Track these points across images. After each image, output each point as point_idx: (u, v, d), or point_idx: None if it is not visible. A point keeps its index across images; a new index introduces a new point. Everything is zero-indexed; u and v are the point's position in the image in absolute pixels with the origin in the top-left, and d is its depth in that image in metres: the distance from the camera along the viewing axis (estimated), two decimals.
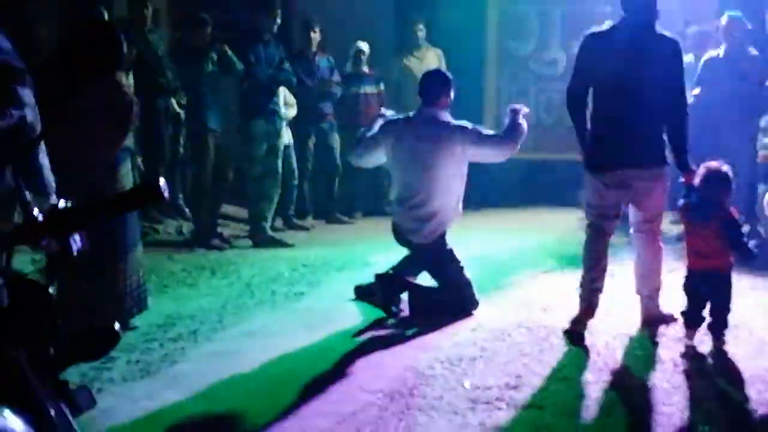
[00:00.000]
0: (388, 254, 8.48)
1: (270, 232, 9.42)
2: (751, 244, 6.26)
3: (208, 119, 9.28)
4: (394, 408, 4.92)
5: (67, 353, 2.18)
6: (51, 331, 2.14)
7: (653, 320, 6.37)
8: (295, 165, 10.01)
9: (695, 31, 10.11)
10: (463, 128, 6.90)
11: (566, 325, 6.21)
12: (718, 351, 5.81)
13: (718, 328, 5.85)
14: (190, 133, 9.57)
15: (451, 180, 6.88)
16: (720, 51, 9.07)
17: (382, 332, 6.43)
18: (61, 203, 2.12)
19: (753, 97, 8.93)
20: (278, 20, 9.53)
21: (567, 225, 9.83)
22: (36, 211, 2.10)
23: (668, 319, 6.34)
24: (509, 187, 11.49)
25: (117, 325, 2.23)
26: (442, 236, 6.96)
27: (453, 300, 6.76)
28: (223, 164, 9.57)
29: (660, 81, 6.01)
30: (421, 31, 11.16)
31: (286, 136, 9.68)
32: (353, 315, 6.81)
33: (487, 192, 10.99)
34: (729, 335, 5.91)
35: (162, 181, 2.12)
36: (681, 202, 6.02)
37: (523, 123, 7.08)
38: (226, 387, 5.29)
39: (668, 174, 6.26)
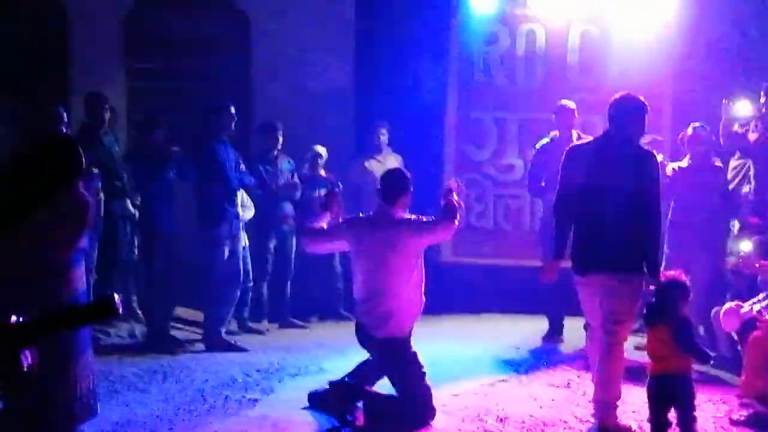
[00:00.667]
0: (344, 360, 8.42)
1: (225, 337, 9.28)
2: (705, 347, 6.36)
3: (160, 222, 9.21)
4: None
5: (26, 325, 2.11)
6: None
7: None
8: (249, 267, 9.92)
9: (649, 140, 10.22)
10: (408, 223, 6.93)
11: None
12: None
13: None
14: (142, 234, 9.49)
15: (408, 274, 6.86)
16: (684, 162, 9.24)
17: None
18: (13, 318, 2.05)
19: (715, 208, 9.15)
20: (234, 122, 9.52)
21: (524, 333, 9.79)
22: None
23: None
24: (465, 292, 11.42)
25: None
26: (407, 335, 6.90)
27: (410, 409, 6.64)
28: (174, 267, 9.48)
29: (637, 192, 6.34)
30: (384, 136, 11.21)
31: (243, 238, 9.61)
32: (307, 424, 6.69)
33: (442, 298, 10.91)
34: None
35: (116, 297, 2.07)
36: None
37: (457, 200, 7.19)
38: None
39: (639, 284, 6.41)
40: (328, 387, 6.91)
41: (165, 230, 9.30)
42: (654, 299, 6.20)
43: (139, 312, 9.97)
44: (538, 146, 9.61)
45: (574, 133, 9.20)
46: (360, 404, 6.77)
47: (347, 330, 10.12)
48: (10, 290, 5.55)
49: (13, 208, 2.11)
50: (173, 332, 9.55)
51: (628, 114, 6.46)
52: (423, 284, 7.00)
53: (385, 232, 6.86)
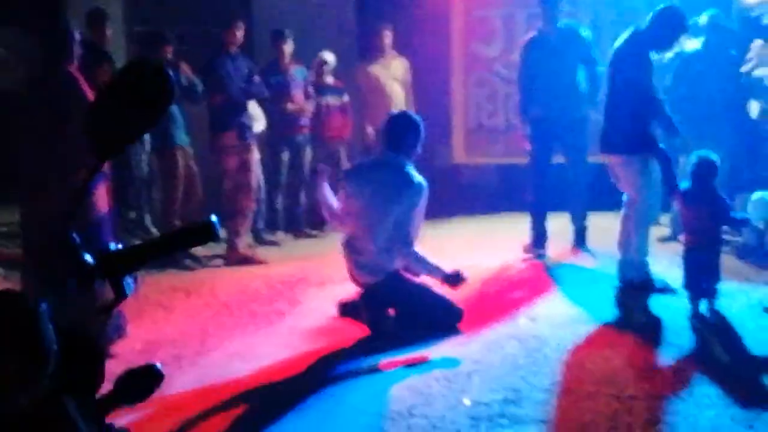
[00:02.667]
0: None
1: (242, 250, 9.21)
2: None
3: (176, 135, 9.08)
4: (396, 430, 4.79)
5: (111, 397, 2.10)
6: (99, 379, 2.04)
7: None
8: (262, 178, 9.84)
9: None
10: (423, 192, 6.63)
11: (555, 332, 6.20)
12: (713, 312, 6.60)
13: (712, 291, 6.63)
14: (157, 151, 9.37)
15: (400, 227, 6.60)
16: (698, 43, 9.06)
17: (371, 351, 6.22)
18: (111, 246, 2.02)
19: (730, 95, 9.00)
20: (240, 33, 9.36)
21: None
22: (86, 255, 2.00)
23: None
24: (479, 192, 11.37)
25: (159, 365, 2.14)
26: (394, 272, 6.70)
27: (437, 317, 6.59)
28: (193, 182, 9.39)
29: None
30: (388, 38, 10.97)
31: (255, 150, 9.49)
32: (339, 333, 6.64)
33: (455, 198, 10.88)
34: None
35: (214, 219, 2.04)
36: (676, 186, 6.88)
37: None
38: (215, 414, 5.13)
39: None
40: (357, 297, 6.84)
41: (179, 145, 9.17)
42: (690, 181, 6.74)
43: (153, 229, 9.91)
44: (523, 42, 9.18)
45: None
46: (391, 312, 6.71)
47: None
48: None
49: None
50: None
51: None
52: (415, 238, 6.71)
53: (391, 180, 6.56)
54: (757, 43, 9.07)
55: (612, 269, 7.54)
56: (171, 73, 2.06)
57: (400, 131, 6.73)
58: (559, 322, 6.58)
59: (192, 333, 6.79)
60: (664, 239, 8.87)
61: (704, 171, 6.71)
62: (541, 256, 8.61)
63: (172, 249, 2.13)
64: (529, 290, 7.57)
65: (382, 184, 6.57)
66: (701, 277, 6.66)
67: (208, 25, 9.98)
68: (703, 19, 9.12)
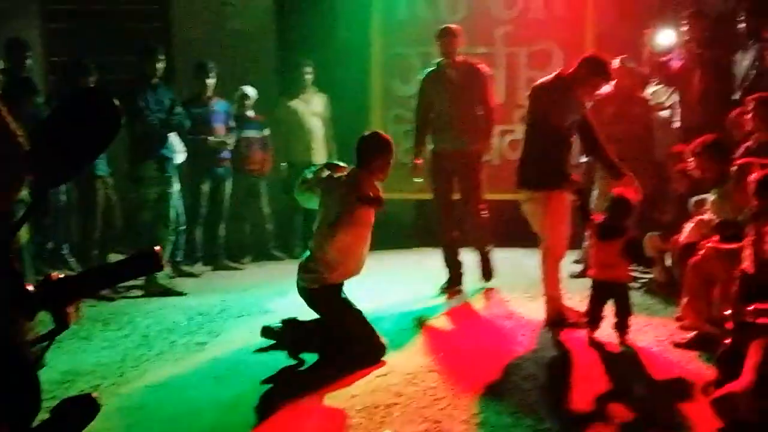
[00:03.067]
0: (285, 300, 8.46)
1: (161, 281, 9.19)
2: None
3: (96, 165, 9.04)
4: None
5: (47, 427, 2.09)
6: (35, 409, 2.05)
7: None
8: (182, 210, 9.84)
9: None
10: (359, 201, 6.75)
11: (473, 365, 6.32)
12: (628, 343, 6.87)
13: (623, 326, 6.93)
14: (76, 180, 9.31)
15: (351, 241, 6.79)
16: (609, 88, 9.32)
17: (293, 381, 6.30)
18: (54, 274, 2.04)
19: (642, 140, 9.32)
20: (163, 64, 9.39)
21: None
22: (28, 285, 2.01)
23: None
24: (400, 227, 11.48)
25: (95, 395, 2.15)
26: (331, 286, 6.84)
27: (361, 348, 6.68)
28: (113, 212, 9.36)
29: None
30: (309, 74, 11.11)
31: (176, 183, 9.50)
32: (261, 364, 6.65)
33: (376, 234, 10.95)
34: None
35: (159, 249, 2.06)
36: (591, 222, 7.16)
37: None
38: None
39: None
40: (281, 324, 6.91)
41: (99, 175, 9.14)
42: (605, 216, 7.04)
43: (71, 259, 9.83)
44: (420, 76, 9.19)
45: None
46: (314, 342, 6.78)
47: (282, 270, 10.20)
48: None
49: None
50: None
51: None
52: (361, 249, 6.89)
53: (347, 193, 6.75)
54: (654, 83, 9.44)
55: (521, 304, 7.75)
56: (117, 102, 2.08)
57: (365, 148, 6.96)
58: (477, 355, 6.72)
59: (111, 364, 6.76)
60: (575, 275, 9.04)
61: (620, 208, 6.98)
62: (458, 292, 8.70)
63: (116, 279, 2.15)
64: (448, 324, 7.69)
65: (338, 198, 6.78)
66: (603, 307, 7.01)
67: (128, 55, 9.95)
68: (615, 62, 9.40)
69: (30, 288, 2.02)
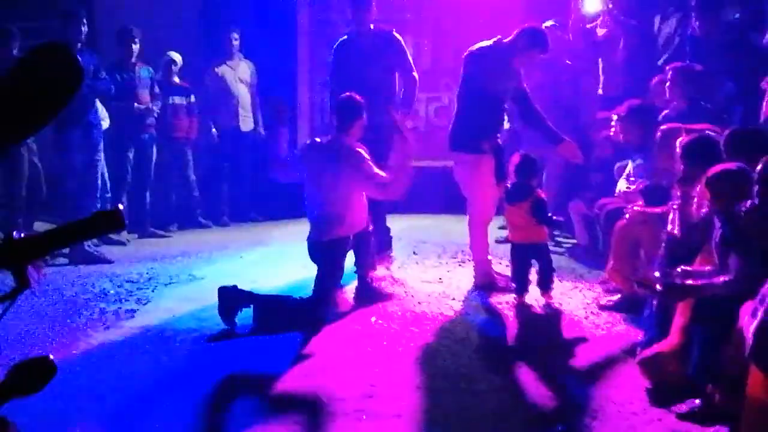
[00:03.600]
0: (212, 267, 8.46)
1: (87, 248, 9.08)
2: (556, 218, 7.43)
3: None
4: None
5: (4, 387, 2.06)
6: None
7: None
8: (107, 177, 9.75)
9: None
10: (357, 165, 7.06)
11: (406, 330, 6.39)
12: (548, 305, 7.05)
13: (546, 285, 7.14)
14: None
15: (356, 197, 7.13)
16: None
17: (226, 347, 6.31)
18: (15, 234, 2.01)
19: (566, 105, 9.42)
20: (85, 29, 9.24)
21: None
22: None
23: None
24: None
25: (52, 357, 2.13)
26: (338, 241, 7.10)
27: (303, 314, 6.73)
28: (38, 179, 9.23)
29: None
30: (236, 41, 11.07)
31: (101, 150, 9.39)
32: (192, 331, 6.65)
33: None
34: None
35: (121, 207, 2.05)
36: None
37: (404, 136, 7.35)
38: (75, 414, 5.09)
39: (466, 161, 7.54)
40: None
41: (23, 142, 8.99)
42: (512, 179, 7.19)
43: None
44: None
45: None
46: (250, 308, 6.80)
47: (209, 237, 10.20)
48: None
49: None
50: None
51: None
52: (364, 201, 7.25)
53: (335, 164, 7.05)
54: None
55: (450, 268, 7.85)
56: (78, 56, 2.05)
57: (343, 113, 7.27)
58: (410, 319, 6.78)
59: (40, 332, 6.68)
60: (500, 240, 9.13)
61: (524, 169, 7.13)
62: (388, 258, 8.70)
63: (78, 237, 2.13)
64: (380, 291, 7.73)
65: (328, 168, 7.08)
66: (527, 270, 7.17)
67: (50, 20, 9.78)
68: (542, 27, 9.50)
69: None
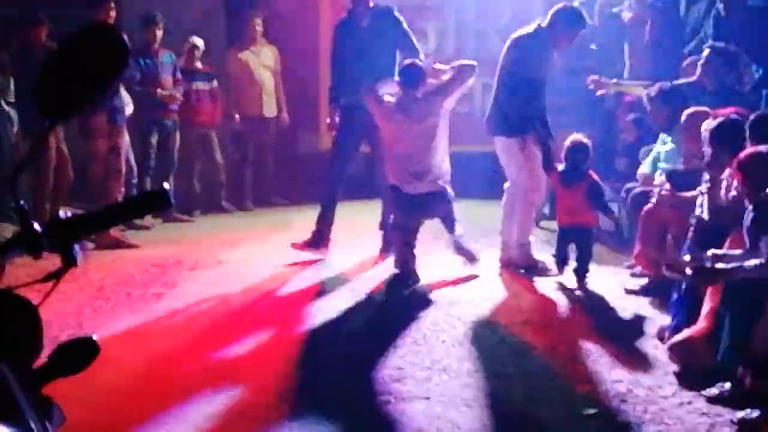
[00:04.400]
0: (239, 251, 8.46)
1: (113, 233, 9.10)
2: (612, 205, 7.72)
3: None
4: (285, 404, 4.90)
5: (48, 368, 2.07)
6: (35, 345, 2.03)
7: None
8: (133, 162, 9.79)
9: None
10: (437, 90, 7.53)
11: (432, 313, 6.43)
12: (584, 291, 7.10)
13: (583, 272, 7.17)
14: (28, 133, 9.18)
15: (442, 138, 7.52)
16: None
17: (255, 330, 6.35)
18: (62, 212, 2.02)
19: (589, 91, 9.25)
20: (113, 14, 9.25)
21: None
22: (35, 222, 1.99)
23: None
24: (347, 179, 11.46)
25: (95, 337, 2.14)
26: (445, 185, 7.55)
27: None
28: (65, 165, 9.26)
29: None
30: (259, 26, 11.08)
31: (126, 135, 9.42)
32: (218, 315, 6.70)
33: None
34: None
35: (167, 186, 2.05)
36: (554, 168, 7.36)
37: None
38: (107, 394, 5.11)
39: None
40: None
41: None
42: (565, 163, 7.27)
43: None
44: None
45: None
46: None
47: (233, 222, 10.22)
48: None
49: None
50: None
51: None
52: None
53: (425, 109, 7.42)
54: None
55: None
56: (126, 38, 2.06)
57: (412, 73, 7.51)
58: (436, 302, 6.80)
59: (68, 316, 6.68)
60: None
61: (576, 152, 7.21)
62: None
63: (124, 217, 2.13)
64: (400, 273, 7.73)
65: (418, 119, 7.41)
66: (568, 253, 7.32)
67: (78, 7, 9.77)
68: None
69: (37, 226, 2.00)
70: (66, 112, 2.00)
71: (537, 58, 7.61)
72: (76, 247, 2.07)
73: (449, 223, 7.60)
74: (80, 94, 1.99)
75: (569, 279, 7.26)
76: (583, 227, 7.28)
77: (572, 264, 7.28)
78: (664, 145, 7.55)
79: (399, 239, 7.53)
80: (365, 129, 8.14)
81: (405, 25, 8.28)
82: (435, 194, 7.48)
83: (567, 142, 7.33)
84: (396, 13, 8.33)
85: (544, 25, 7.66)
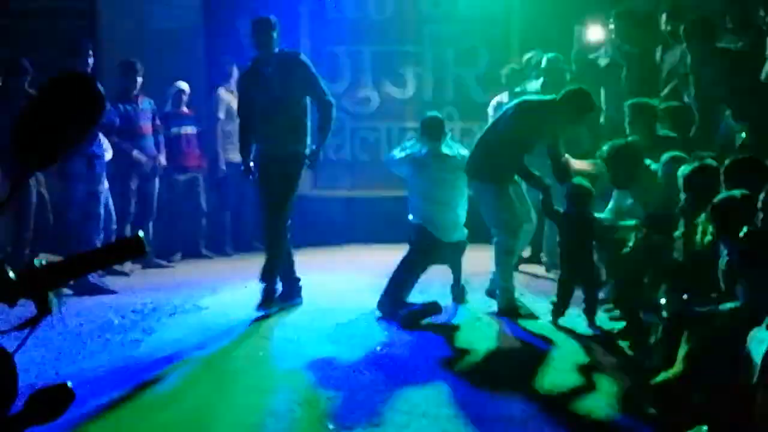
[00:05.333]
0: (216, 297, 8.46)
1: (92, 279, 9.07)
2: None
3: None
4: None
5: (24, 414, 2.08)
6: (9, 392, 2.04)
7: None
8: (112, 208, 9.77)
9: None
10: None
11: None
12: (593, 328, 7.22)
13: (591, 311, 7.30)
14: (6, 178, 9.16)
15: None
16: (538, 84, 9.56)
17: (231, 375, 6.34)
18: (37, 261, 2.03)
19: None
20: (91, 61, 9.30)
21: (384, 263, 9.77)
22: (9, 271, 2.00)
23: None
24: (328, 225, 11.54)
25: (70, 384, 2.14)
26: None
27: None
28: (44, 210, 9.25)
29: None
30: (235, 72, 11.13)
31: (105, 181, 9.42)
32: (196, 361, 6.67)
33: (305, 231, 10.97)
34: None
35: (142, 234, 2.07)
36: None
37: None
38: None
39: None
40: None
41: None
42: (567, 206, 7.43)
43: None
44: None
45: None
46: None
47: (212, 267, 10.20)
48: None
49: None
50: None
51: None
52: None
53: (443, 164, 8.08)
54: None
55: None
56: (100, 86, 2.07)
57: (437, 126, 8.30)
58: (416, 347, 6.80)
59: (46, 362, 6.66)
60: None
61: (579, 198, 7.32)
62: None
63: (99, 264, 2.14)
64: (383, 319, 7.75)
65: (439, 170, 8.08)
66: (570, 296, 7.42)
67: (52, 52, 9.82)
68: (543, 60, 9.58)
69: (12, 274, 2.00)
70: (43, 159, 2.01)
71: (537, 131, 7.78)
72: (51, 294, 2.06)
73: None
74: (57, 142, 2.00)
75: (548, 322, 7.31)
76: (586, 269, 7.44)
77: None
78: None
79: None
80: (274, 178, 7.93)
81: (312, 69, 8.02)
82: None
83: (568, 187, 7.48)
84: (302, 57, 8.14)
85: (558, 101, 7.73)
